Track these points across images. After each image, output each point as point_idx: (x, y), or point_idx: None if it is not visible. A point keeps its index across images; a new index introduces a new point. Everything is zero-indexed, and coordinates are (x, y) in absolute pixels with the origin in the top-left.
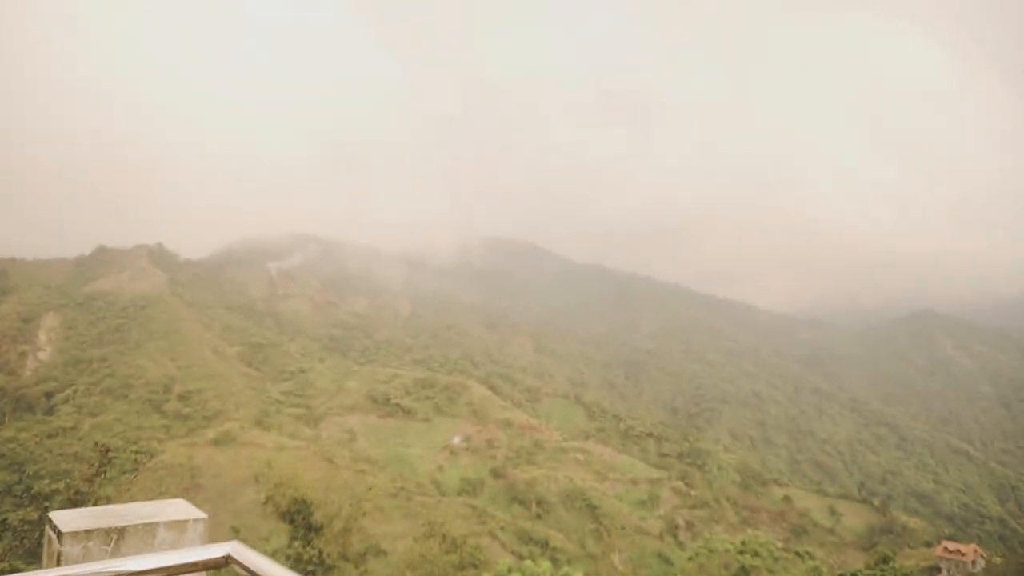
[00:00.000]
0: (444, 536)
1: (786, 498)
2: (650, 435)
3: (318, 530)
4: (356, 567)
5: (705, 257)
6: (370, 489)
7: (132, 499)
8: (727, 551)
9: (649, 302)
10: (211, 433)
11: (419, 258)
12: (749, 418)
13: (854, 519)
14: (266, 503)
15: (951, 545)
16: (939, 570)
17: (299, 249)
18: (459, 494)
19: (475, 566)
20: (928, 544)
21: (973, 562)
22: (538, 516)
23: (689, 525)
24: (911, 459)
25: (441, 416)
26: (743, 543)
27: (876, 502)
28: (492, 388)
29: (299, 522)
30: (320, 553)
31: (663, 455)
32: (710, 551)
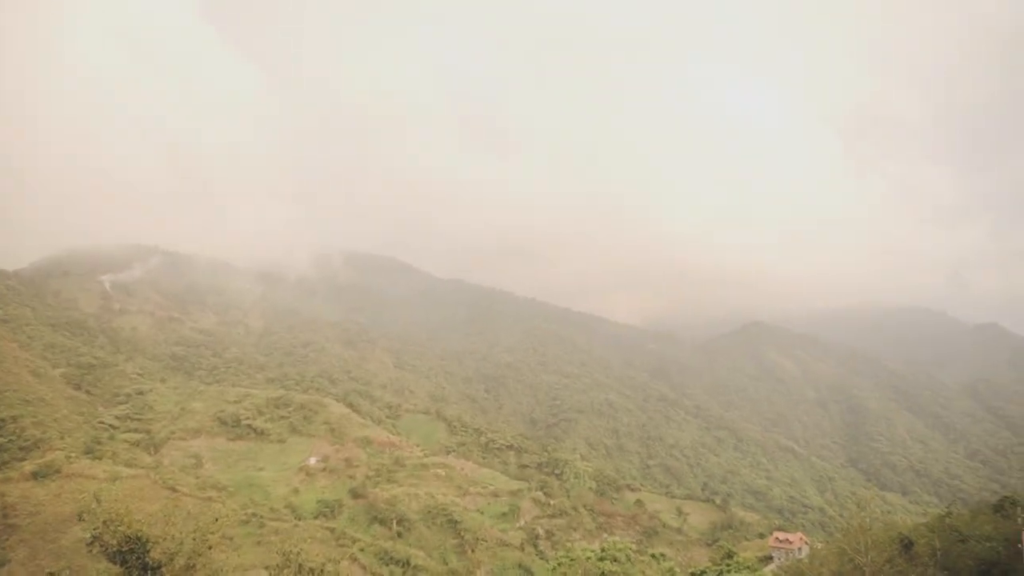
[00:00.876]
0: (300, 566)
1: (638, 502)
2: (510, 447)
3: (155, 569)
4: None
5: (561, 274)
6: (216, 520)
7: None
8: (588, 559)
9: (508, 317)
10: (29, 465)
11: (275, 273)
12: (603, 427)
13: (699, 518)
14: (92, 544)
15: (781, 535)
16: (771, 559)
17: (139, 261)
18: (316, 517)
19: None
20: (762, 535)
21: (800, 549)
22: (399, 535)
23: (549, 534)
24: (747, 459)
25: (296, 436)
26: (603, 549)
27: (718, 500)
28: (351, 406)
29: (132, 562)
30: None
31: (523, 466)
32: (571, 560)
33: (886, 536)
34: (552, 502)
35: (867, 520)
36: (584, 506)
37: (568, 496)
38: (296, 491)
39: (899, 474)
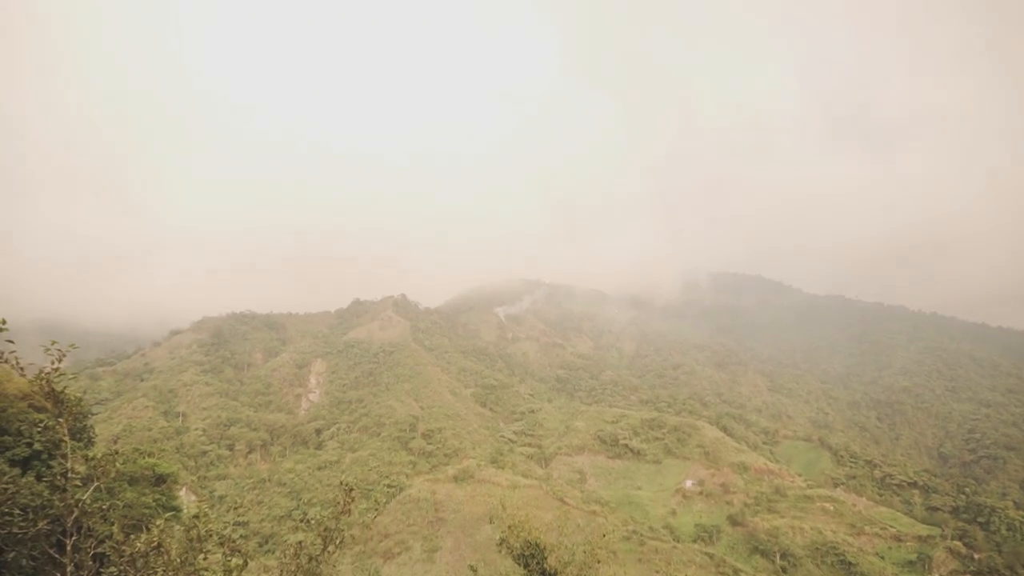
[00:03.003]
0: None
1: None
2: (914, 485)
3: (552, 575)
4: None
5: (967, 281)
6: (604, 536)
7: (385, 529)
8: None
9: (900, 334)
10: (451, 470)
11: (644, 298)
12: None
13: None
14: (500, 545)
15: None
16: None
17: (527, 294)
18: (694, 541)
19: None
20: None
21: None
22: (783, 570)
23: None
24: None
25: (671, 458)
26: None
27: None
28: (724, 429)
29: (533, 566)
30: None
31: (932, 509)
32: None
33: None
34: (976, 556)
35: None
36: (1022, 565)
37: (999, 551)
38: (673, 512)
39: None
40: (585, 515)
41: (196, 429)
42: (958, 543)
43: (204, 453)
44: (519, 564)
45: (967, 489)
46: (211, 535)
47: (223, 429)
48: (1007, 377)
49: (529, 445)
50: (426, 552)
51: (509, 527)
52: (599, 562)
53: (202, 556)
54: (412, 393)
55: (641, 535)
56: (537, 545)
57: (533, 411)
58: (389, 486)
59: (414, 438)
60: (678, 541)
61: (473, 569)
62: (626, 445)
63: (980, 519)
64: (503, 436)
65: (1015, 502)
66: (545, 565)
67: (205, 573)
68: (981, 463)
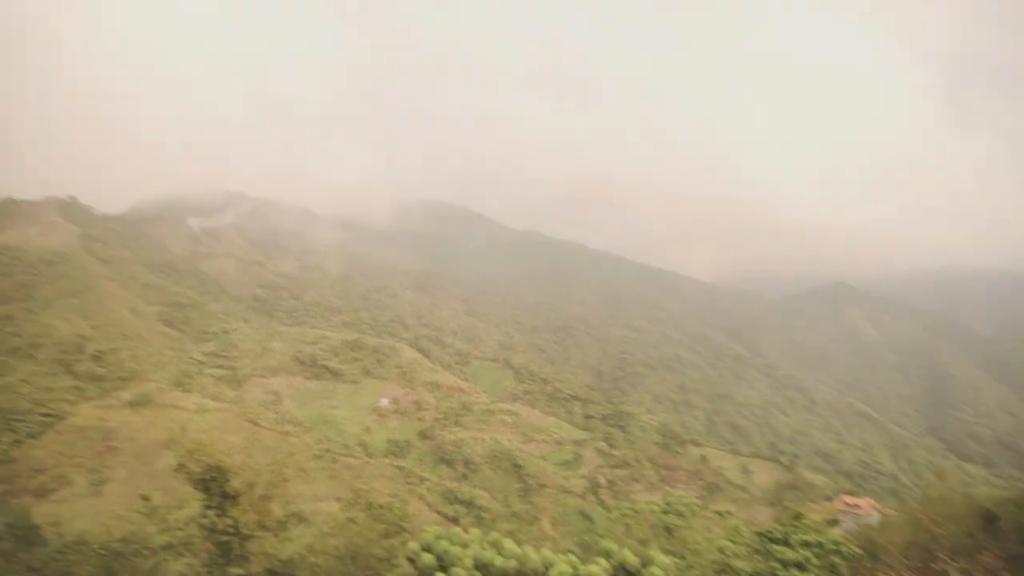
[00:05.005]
0: (371, 504)
1: (703, 457)
2: (576, 398)
3: (234, 498)
4: (276, 536)
5: (637, 227)
6: (292, 454)
7: (39, 463)
8: (651, 511)
9: (582, 270)
10: (127, 395)
11: (355, 221)
12: (671, 382)
13: (763, 476)
14: (178, 470)
15: (849, 499)
16: (838, 522)
17: (230, 207)
18: (386, 455)
19: (402, 532)
20: (828, 498)
21: (869, 515)
22: (464, 476)
23: (611, 484)
24: (818, 420)
25: (369, 378)
26: (667, 503)
27: (784, 460)
28: (421, 350)
29: (214, 490)
30: (236, 523)
31: (588, 417)
32: (635, 512)
33: (967, 508)
34: (616, 453)
35: (945, 490)
36: (647, 458)
37: (632, 448)
38: (368, 430)
39: (984, 446)
40: (277, 436)
41: None
42: (603, 444)
43: None
44: (198, 489)
45: (614, 400)
46: None
47: None
48: (655, 308)
49: (221, 367)
50: (92, 485)
51: (188, 451)
52: (286, 480)
53: None
54: (80, 310)
55: (334, 453)
56: (219, 468)
57: (227, 331)
58: (46, 415)
59: (80, 360)
60: (370, 456)
61: (145, 498)
62: (325, 366)
63: (621, 424)
64: (192, 358)
65: (648, 409)
66: (227, 488)
67: None
68: (627, 378)
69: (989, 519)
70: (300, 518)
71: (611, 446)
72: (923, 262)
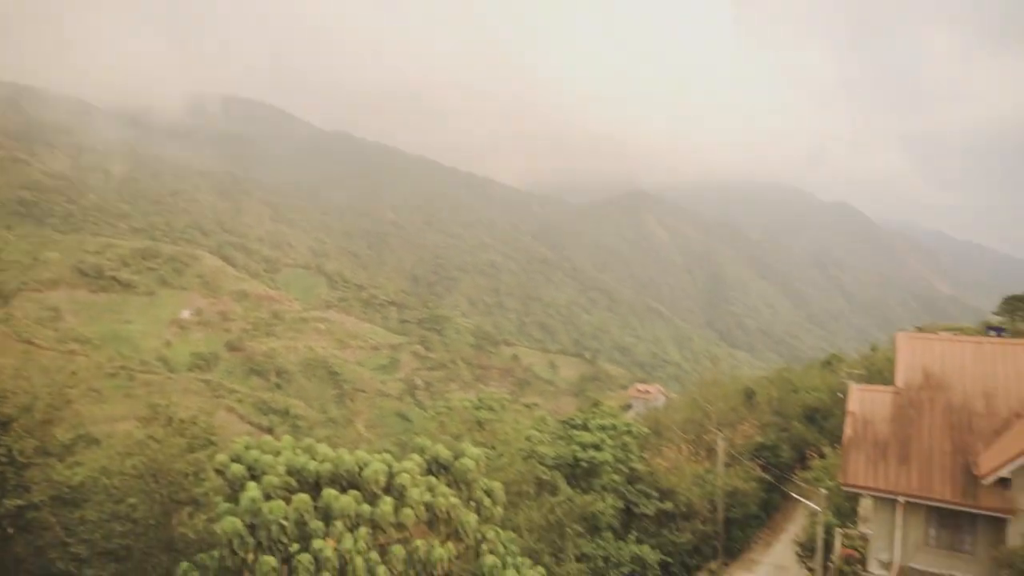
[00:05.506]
0: (171, 417)
1: (514, 356)
2: (392, 303)
3: (5, 424)
4: (62, 461)
5: (450, 132)
6: (74, 373)
7: None
8: (465, 407)
9: (395, 173)
10: None
11: (142, 117)
12: (484, 286)
13: (569, 371)
14: None
15: (640, 386)
16: (631, 407)
17: None
18: (191, 370)
19: (209, 444)
20: (624, 387)
21: (657, 398)
22: (278, 386)
23: (427, 385)
24: (617, 318)
25: (167, 289)
26: (479, 399)
27: (587, 356)
28: (225, 258)
29: None
30: (9, 451)
31: (404, 322)
32: (449, 409)
33: (733, 387)
34: (431, 355)
35: (718, 373)
36: (462, 360)
37: (447, 350)
38: (168, 344)
39: (749, 334)
40: (60, 356)
41: None
42: (419, 347)
43: None
44: None
45: (430, 304)
46: None
47: None
48: (468, 213)
49: None
50: None
51: None
52: (71, 402)
53: None
54: None
55: (130, 370)
56: None
57: None
58: None
59: None
60: (173, 372)
61: None
62: (114, 277)
63: (437, 327)
64: None
65: (463, 312)
66: None
67: None
68: (442, 282)
69: (748, 395)
70: (91, 440)
71: (427, 349)
72: (708, 172)
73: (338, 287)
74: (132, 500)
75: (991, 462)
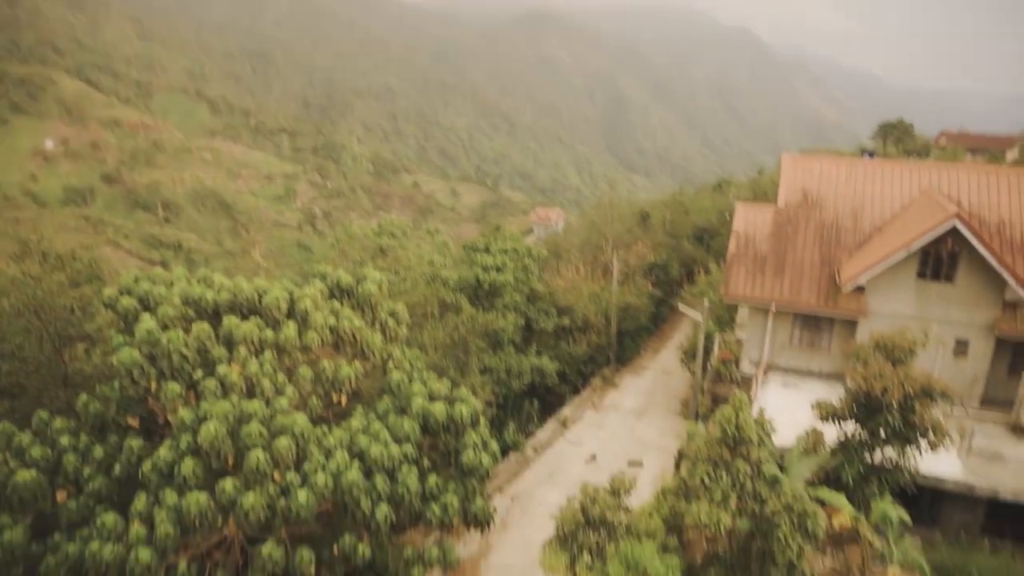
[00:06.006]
0: (45, 254)
1: (415, 183)
2: (283, 130)
3: None
4: None
5: None
6: None
7: None
8: (365, 235)
9: None
10: None
11: None
12: (381, 110)
13: (471, 197)
14: None
15: (541, 211)
16: (532, 231)
17: None
18: (65, 205)
19: (95, 280)
20: (525, 212)
21: (556, 222)
22: (166, 220)
23: (326, 214)
24: (518, 143)
25: (22, 116)
26: (380, 226)
27: (489, 182)
28: (88, 81)
29: None
30: None
31: (297, 150)
32: (349, 236)
33: (629, 210)
34: (329, 184)
35: (615, 197)
36: (361, 188)
37: (345, 178)
38: (34, 178)
39: (646, 159)
40: None
41: None
42: (315, 176)
43: None
44: None
45: (324, 131)
46: None
47: None
48: (360, 32)
49: None
50: None
51: None
52: None
53: None
54: None
55: None
56: None
57: None
58: None
59: None
60: (44, 207)
61: None
62: None
63: (333, 155)
64: None
65: (358, 138)
66: None
67: None
68: (336, 107)
69: (643, 218)
70: None
71: (324, 178)
72: None
73: (222, 113)
74: (17, 339)
75: (850, 272)
